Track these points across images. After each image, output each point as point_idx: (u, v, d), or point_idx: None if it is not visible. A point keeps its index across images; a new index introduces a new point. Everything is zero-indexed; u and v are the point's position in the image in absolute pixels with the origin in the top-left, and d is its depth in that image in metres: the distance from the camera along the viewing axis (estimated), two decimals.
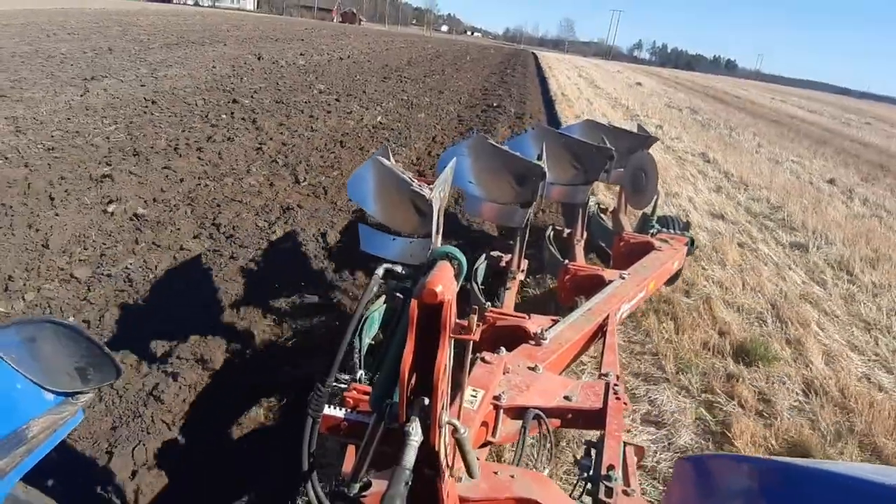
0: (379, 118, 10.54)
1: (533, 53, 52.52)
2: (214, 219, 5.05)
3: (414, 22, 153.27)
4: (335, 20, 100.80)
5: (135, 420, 2.74)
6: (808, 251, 6.49)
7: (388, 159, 2.29)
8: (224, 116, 9.05)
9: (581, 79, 28.17)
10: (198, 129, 8.16)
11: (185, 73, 13.30)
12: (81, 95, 9.75)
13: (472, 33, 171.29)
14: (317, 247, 4.81)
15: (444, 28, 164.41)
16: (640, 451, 2.07)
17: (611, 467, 1.66)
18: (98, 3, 38.27)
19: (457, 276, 1.35)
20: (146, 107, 9.21)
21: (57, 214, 4.84)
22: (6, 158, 6.13)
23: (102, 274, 4.02)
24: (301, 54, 20.06)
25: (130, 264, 4.16)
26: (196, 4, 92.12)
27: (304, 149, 7.75)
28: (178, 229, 4.78)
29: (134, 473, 2.47)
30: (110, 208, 5.03)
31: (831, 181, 10.88)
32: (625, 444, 1.84)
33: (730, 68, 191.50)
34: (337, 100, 11.86)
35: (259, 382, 3.13)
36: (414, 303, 1.19)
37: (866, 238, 7.30)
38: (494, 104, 14.24)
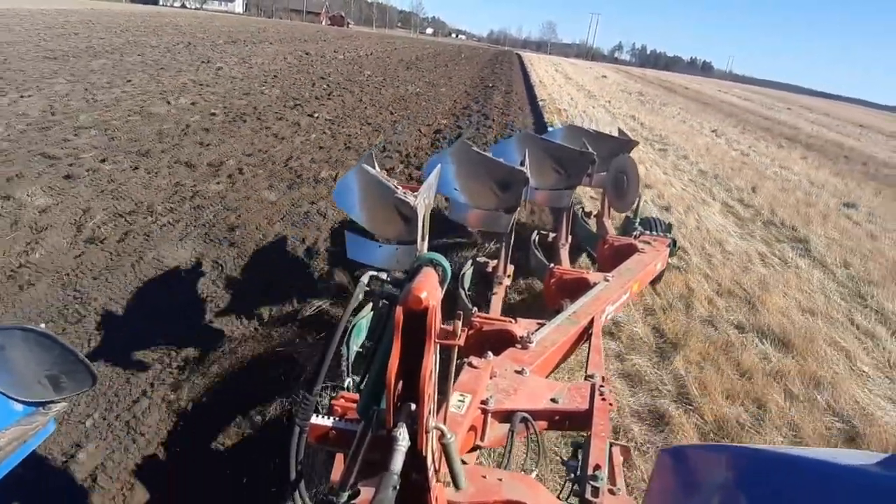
0: (417, 90, 15.89)
1: (517, 53, 58.35)
2: (367, 122, 10.37)
3: (399, 25, 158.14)
4: (324, 23, 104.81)
5: None
6: (667, 153, 11.98)
7: (374, 167, 2.31)
8: (325, 86, 14.31)
9: (557, 73, 33.86)
10: (316, 91, 13.40)
11: (267, 62, 18.47)
12: (217, 70, 14.91)
13: (457, 35, 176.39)
14: (419, 133, 10.13)
15: (430, 31, 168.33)
16: (625, 451, 2.05)
17: (597, 467, 1.71)
18: (89, 4, 42.45)
19: (441, 283, 1.38)
20: (273, 77, 14.44)
21: (290, 118, 10.06)
22: (224, 97, 11.26)
23: (337, 133, 9.28)
24: (335, 51, 25.36)
25: (343, 131, 9.44)
26: (182, 7, 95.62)
27: (385, 102, 13.08)
28: (353, 125, 10.06)
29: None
30: (315, 115, 10.30)
31: (714, 131, 16.49)
32: (611, 444, 1.88)
33: (706, 70, 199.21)
34: (384, 80, 17.20)
35: None
36: (399, 309, 1.22)
37: (708, 149, 12.86)
38: (490, 85, 19.73)
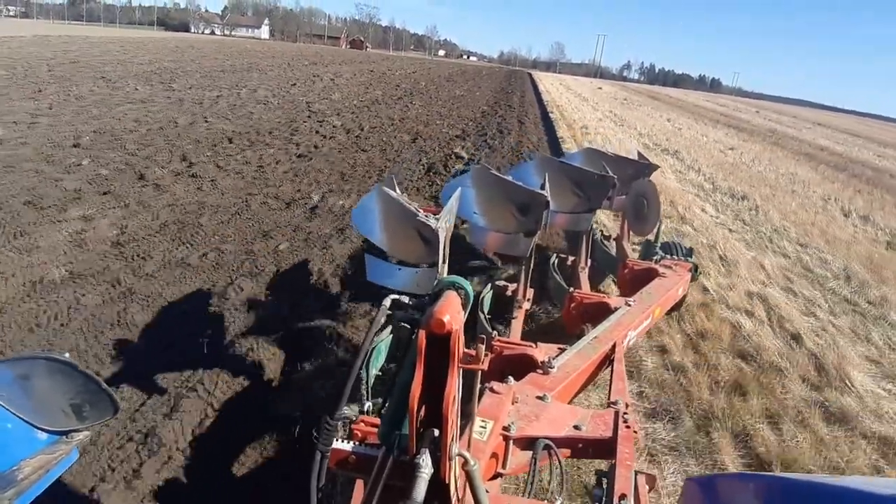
0: (461, 93, 23.32)
1: (528, 73, 66.43)
2: (442, 107, 17.72)
3: (412, 47, 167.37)
4: (343, 46, 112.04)
5: None
6: (623, 127, 19.13)
7: (394, 190, 2.36)
8: (403, 91, 21.74)
9: (561, 86, 41.53)
10: (400, 93, 20.80)
11: (352, 77, 26.02)
12: (331, 80, 22.43)
13: (468, 57, 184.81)
14: (472, 112, 17.44)
15: (442, 52, 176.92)
16: (651, 480, 2.02)
17: (622, 496, 1.69)
18: (125, 33, 50.48)
19: (464, 306, 1.39)
20: (368, 85, 21.95)
21: (400, 104, 17.39)
22: (355, 95, 18.63)
23: (430, 110, 16.59)
24: (388, 69, 33.09)
25: (433, 109, 16.78)
26: (212, 33, 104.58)
27: (445, 99, 20.48)
28: (436, 108, 17.39)
29: None
30: (412, 103, 17.68)
31: (669, 119, 23.63)
32: (636, 472, 1.87)
33: (714, 86, 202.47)
34: (437, 88, 24.71)
35: None
36: (422, 333, 1.23)
37: (653, 126, 20.01)
38: (509, 91, 27.25)
